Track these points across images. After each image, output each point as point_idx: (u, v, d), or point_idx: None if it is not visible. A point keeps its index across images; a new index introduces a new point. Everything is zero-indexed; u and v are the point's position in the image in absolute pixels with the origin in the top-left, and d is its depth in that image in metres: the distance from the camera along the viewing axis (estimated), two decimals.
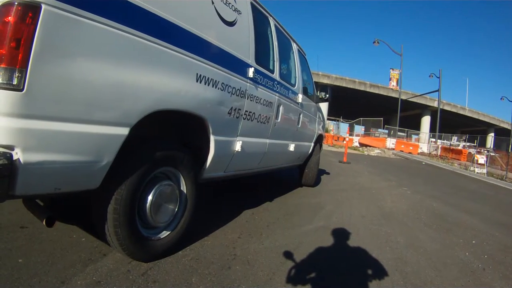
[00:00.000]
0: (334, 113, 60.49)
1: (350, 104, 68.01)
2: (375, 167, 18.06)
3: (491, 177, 21.39)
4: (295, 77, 7.10)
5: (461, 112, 68.81)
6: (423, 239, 5.67)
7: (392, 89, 58.91)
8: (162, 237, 3.72)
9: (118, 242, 3.18)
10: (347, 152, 18.42)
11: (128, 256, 3.37)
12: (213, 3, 4.05)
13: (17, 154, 2.21)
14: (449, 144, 46.37)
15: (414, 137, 56.33)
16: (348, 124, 56.06)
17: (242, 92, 4.62)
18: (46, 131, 2.36)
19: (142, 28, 2.95)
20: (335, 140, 35.31)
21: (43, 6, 2.20)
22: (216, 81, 4.01)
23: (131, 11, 2.86)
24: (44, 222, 2.81)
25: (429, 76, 46.21)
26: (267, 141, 5.81)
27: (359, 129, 57.05)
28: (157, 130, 3.71)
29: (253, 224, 5.17)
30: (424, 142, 51.25)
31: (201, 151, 4.20)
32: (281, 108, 5.98)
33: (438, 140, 49.04)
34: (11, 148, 2.19)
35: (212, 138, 4.11)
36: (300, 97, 7.03)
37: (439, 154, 38.93)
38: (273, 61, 5.87)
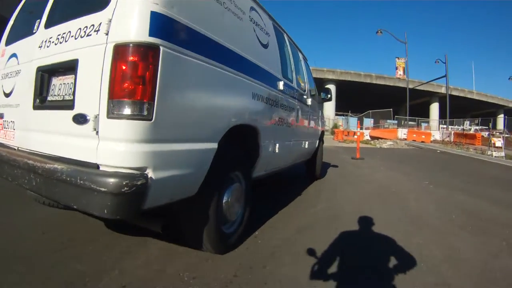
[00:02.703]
0: (342, 108, 60.87)
1: (357, 98, 67.87)
2: (390, 161, 17.09)
3: (509, 160, 20.32)
4: (304, 82, 8.00)
5: (469, 96, 68.58)
6: (462, 248, 4.71)
7: (398, 78, 58.28)
8: (233, 230, 4.33)
9: (209, 239, 3.74)
10: (359, 147, 17.51)
11: (212, 251, 3.91)
12: (254, 30, 4.82)
13: (150, 174, 2.69)
14: (461, 129, 45.54)
15: (423, 125, 55.41)
16: (357, 118, 55.27)
17: (276, 103, 5.45)
18: (168, 152, 2.89)
19: (222, 60, 3.64)
20: (345, 136, 34.25)
21: (161, 48, 2.74)
22: (263, 96, 4.84)
23: (213, 46, 3.52)
24: (160, 230, 3.53)
25: (435, 62, 45.45)
26: (292, 141, 6.61)
27: (368, 122, 56.01)
28: (229, 142, 3.92)
29: (255, 251, 4.28)
30: (435, 129, 50.33)
31: (252, 155, 4.85)
32: (299, 112, 6.95)
33: (450, 126, 48.26)
34: (145, 169, 2.67)
35: (260, 144, 4.83)
36: (309, 100, 8.02)
37: (452, 140, 37.85)
38: (291, 72, 6.69)
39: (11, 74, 4.07)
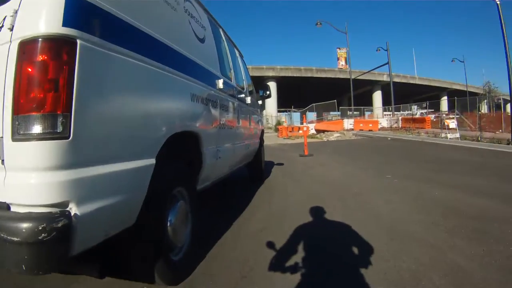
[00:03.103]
0: (284, 105, 59.95)
1: (300, 93, 68.02)
2: (342, 154, 16.01)
3: (465, 140, 20.02)
4: (243, 80, 7.55)
5: (412, 81, 70.38)
6: (466, 266, 3.45)
7: (339, 70, 58.78)
8: (182, 255, 3.60)
9: (157, 271, 3.08)
10: (307, 142, 16.40)
11: (163, 283, 3.23)
12: (190, 23, 4.26)
13: (73, 209, 2.04)
14: (410, 114, 45.50)
15: (367, 114, 55.54)
16: (300, 113, 54.99)
17: (216, 103, 4.88)
18: (94, 177, 2.22)
19: (156, 56, 3.05)
20: (290, 132, 32.62)
21: (79, 41, 2.08)
22: (202, 97, 4.25)
23: (145, 40, 2.93)
24: (98, 274, 2.92)
25: (376, 50, 44.82)
26: (235, 144, 6.16)
27: (311, 115, 55.45)
28: (168, 154, 3.28)
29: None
30: (379, 117, 50.48)
31: (194, 166, 4.25)
32: (240, 112, 6.50)
33: (397, 112, 48.52)
34: (66, 204, 2.02)
35: (203, 151, 4.26)
36: (249, 99, 7.46)
37: (400, 126, 37.65)
38: (229, 69, 6.23)
39: None
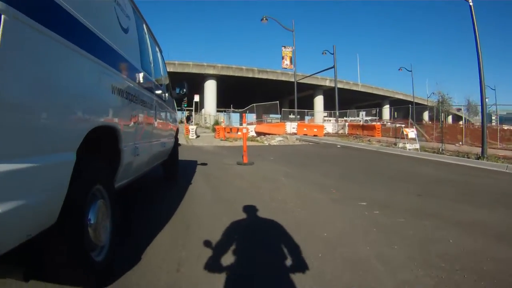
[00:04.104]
0: (224, 104, 58.49)
1: (240, 93, 66.40)
2: (288, 164, 13.13)
3: (425, 152, 17.81)
4: (161, 76, 7.38)
5: (354, 88, 70.52)
6: None
7: (281, 72, 58.66)
8: (104, 256, 3.38)
9: (80, 273, 2.95)
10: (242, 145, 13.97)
11: (87, 286, 3.09)
12: (115, 10, 4.08)
13: None
14: (364, 121, 44.06)
15: (307, 118, 53.80)
16: (240, 113, 53.17)
17: (136, 98, 4.62)
18: (13, 173, 1.96)
19: (79, 40, 2.82)
20: (228, 133, 30.11)
21: (3, 15, 1.82)
22: (122, 90, 4.01)
23: (68, 20, 2.68)
24: (23, 278, 2.74)
25: (322, 53, 42.97)
26: (152, 141, 5.92)
27: (251, 117, 53.21)
28: (87, 150, 3.02)
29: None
30: (319, 122, 48.05)
31: (112, 162, 4.00)
32: (157, 109, 6.23)
33: (342, 118, 47.11)
34: None
35: (121, 148, 4.01)
36: (166, 96, 7.19)
37: (347, 132, 35.32)
38: (149, 63, 6.00)
39: None
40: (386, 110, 66.81)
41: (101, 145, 3.72)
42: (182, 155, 16.49)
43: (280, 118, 44.42)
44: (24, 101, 2.08)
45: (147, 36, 6.24)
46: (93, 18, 3.15)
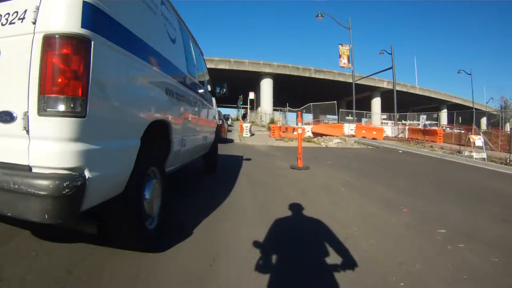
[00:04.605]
0: (279, 103, 57.50)
1: (296, 92, 66.05)
2: (348, 170, 11.54)
3: (492, 163, 16.03)
4: (204, 77, 8.10)
5: (412, 91, 68.54)
6: None
7: (338, 73, 58.21)
8: (155, 226, 4.22)
9: (136, 236, 3.74)
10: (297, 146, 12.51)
11: (139, 248, 3.92)
12: (165, 25, 4.89)
13: (87, 173, 2.68)
14: (425, 125, 42.02)
15: (363, 120, 51.84)
16: (296, 113, 51.67)
17: (183, 98, 5.50)
18: (101, 150, 2.89)
19: (143, 55, 3.76)
20: (283, 132, 28.74)
21: (93, 41, 2.71)
22: (173, 91, 4.85)
23: (136, 41, 3.61)
24: (96, 231, 3.49)
25: (380, 53, 42.02)
26: (195, 135, 6.72)
27: (307, 116, 51.71)
28: (147, 138, 3.85)
29: None
30: (378, 124, 46.77)
31: (164, 150, 4.88)
32: (200, 106, 7.09)
33: (401, 121, 45.34)
34: (82, 168, 2.65)
35: (172, 139, 4.89)
36: (208, 95, 8.27)
37: (407, 137, 33.15)
38: (193, 67, 6.71)
39: None
40: (443, 114, 64.28)
41: (156, 135, 4.42)
42: (232, 154, 15.36)
43: (338, 119, 42.81)
44: (111, 102, 3.06)
45: (190, 42, 6.93)
46: (150, 35, 4.01)
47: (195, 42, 7.83)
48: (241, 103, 66.80)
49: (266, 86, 59.51)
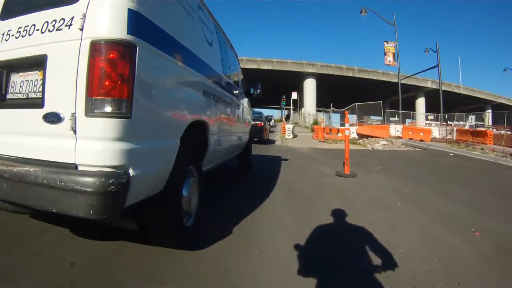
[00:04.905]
0: (321, 104, 56.26)
1: (339, 93, 64.25)
2: (399, 177, 10.35)
3: None
4: (238, 78, 8.29)
5: (456, 90, 66.59)
6: None
7: (382, 73, 57.79)
8: (192, 223, 4.35)
9: (174, 233, 3.87)
10: (343, 148, 11.94)
11: (177, 245, 4.04)
12: (203, 30, 5.08)
13: (130, 171, 2.82)
14: (471, 126, 41.00)
15: (407, 121, 50.15)
16: (341, 113, 50.87)
17: (219, 99, 5.65)
18: (144, 149, 3.03)
19: (183, 59, 3.92)
20: (327, 133, 27.61)
21: (138, 46, 2.88)
22: (210, 93, 5.03)
23: (177, 46, 3.81)
24: (137, 226, 3.66)
25: (425, 51, 40.43)
26: (230, 135, 6.88)
27: (352, 117, 50.67)
28: (186, 138, 3.99)
29: None
30: (422, 125, 46.04)
31: (201, 150, 5.01)
32: (235, 107, 7.25)
33: (452, 122, 44.27)
34: (126, 166, 2.78)
35: (209, 138, 5.03)
36: (242, 96, 8.43)
37: (455, 138, 31.36)
38: (229, 69, 6.91)
39: None
40: (488, 115, 62.24)
41: (195, 135, 4.44)
42: (272, 155, 14.52)
43: (383, 120, 41.40)
44: (154, 104, 3.26)
45: (225, 44, 7.06)
46: (189, 39, 4.23)
47: (230, 44, 8.01)
48: (284, 103, 66.26)
49: (309, 86, 58.69)
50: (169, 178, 3.55)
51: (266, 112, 54.65)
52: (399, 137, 30.37)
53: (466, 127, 39.44)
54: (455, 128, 34.65)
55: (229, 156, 7.55)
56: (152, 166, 3.20)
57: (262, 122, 22.61)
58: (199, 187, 4.60)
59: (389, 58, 43.76)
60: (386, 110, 42.02)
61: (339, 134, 26.40)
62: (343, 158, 10.84)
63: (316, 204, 6.72)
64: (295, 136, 29.69)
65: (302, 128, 45.90)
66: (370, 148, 22.39)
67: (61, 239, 4.16)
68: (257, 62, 56.50)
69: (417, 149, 22.86)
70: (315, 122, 42.34)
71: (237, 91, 7.62)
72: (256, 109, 55.42)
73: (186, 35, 4.11)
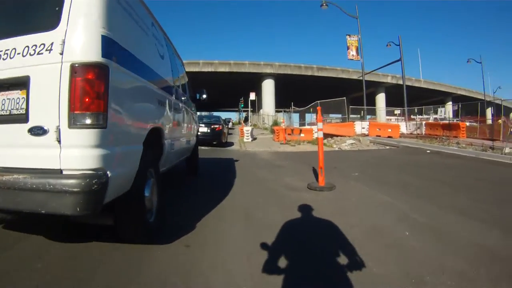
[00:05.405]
0: (280, 104, 54.30)
1: (298, 93, 62.99)
2: (388, 187, 8.15)
3: None
4: (185, 85, 8.50)
5: (417, 84, 66.46)
6: None
7: (341, 70, 57.32)
8: (153, 219, 4.67)
9: (139, 229, 4.20)
10: (308, 151, 11.29)
11: (141, 240, 4.37)
12: (156, 45, 5.51)
13: (108, 172, 3.20)
14: (436, 119, 40.05)
15: (367, 117, 48.90)
16: (299, 114, 49.22)
17: (171, 106, 6.02)
18: (117, 153, 3.46)
19: (142, 74, 4.37)
20: (289, 135, 24.95)
21: (110, 67, 3.30)
22: (163, 102, 5.46)
23: (137, 63, 4.21)
24: (113, 222, 4.02)
25: (387, 45, 38.98)
26: (181, 139, 7.32)
27: (310, 117, 51.41)
28: (146, 143, 4.36)
29: None
30: (383, 121, 45.96)
31: (157, 153, 5.36)
32: (184, 113, 7.64)
33: (419, 116, 43.02)
34: (104, 169, 3.18)
35: (164, 143, 5.45)
36: (189, 102, 8.83)
37: (424, 133, 29.96)
38: (178, 77, 7.35)
39: None
40: (449, 107, 61.64)
41: (152, 140, 4.72)
42: (226, 165, 12.08)
43: (347, 117, 39.72)
44: (123, 114, 3.65)
45: (174, 54, 7.44)
46: (147, 56, 4.67)
47: (177, 53, 8.26)
48: (242, 106, 65.10)
49: (268, 87, 57.68)
50: (135, 179, 3.90)
51: (224, 115, 53.48)
52: (365, 135, 28.50)
53: (431, 120, 38.32)
54: (423, 122, 33.20)
55: (179, 159, 7.80)
56: (123, 168, 3.61)
57: (221, 126, 22.77)
58: (158, 187, 4.94)
59: (352, 52, 42.01)
60: (350, 106, 40.25)
61: (302, 135, 24.48)
62: (310, 163, 9.40)
63: (285, 245, 4.48)
64: (254, 138, 27.48)
65: (262, 130, 44.02)
66: (337, 149, 20.21)
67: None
68: (214, 65, 55.12)
69: (388, 147, 21.05)
70: (275, 123, 40.09)
71: (185, 98, 8.01)
72: (215, 113, 54.01)
73: (143, 52, 4.52)
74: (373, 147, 21.05)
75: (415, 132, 31.35)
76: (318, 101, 36.39)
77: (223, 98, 74.08)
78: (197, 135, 10.42)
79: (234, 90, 64.00)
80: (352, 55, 41.98)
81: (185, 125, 7.88)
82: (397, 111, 50.56)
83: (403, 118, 40.19)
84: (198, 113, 15.62)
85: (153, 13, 5.60)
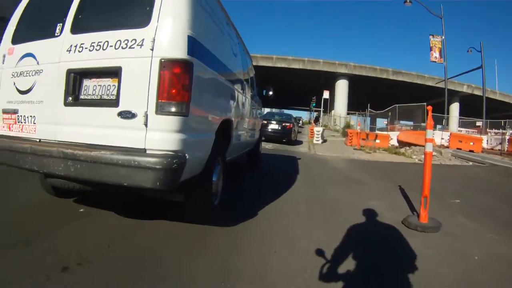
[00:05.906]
0: (352, 107, 54.31)
1: (371, 95, 58.69)
2: (509, 229, 5.96)
3: None
4: (253, 83, 9.16)
5: (492, 96, 60.38)
6: None
7: (417, 75, 55.14)
8: (217, 202, 5.17)
9: (206, 210, 4.69)
10: (387, 161, 9.53)
11: (206, 221, 4.86)
12: (230, 43, 6.02)
13: (186, 154, 3.62)
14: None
15: (438, 127, 45.44)
16: (371, 117, 46.90)
17: (240, 101, 6.62)
18: (195, 139, 3.91)
19: (220, 70, 4.92)
20: (363, 140, 22.39)
21: (194, 63, 3.75)
22: (234, 96, 6.02)
23: (215, 60, 4.74)
24: (183, 199, 4.45)
25: (467, 51, 38.47)
26: (246, 131, 7.76)
27: (381, 122, 49.43)
28: (217, 133, 4.85)
29: None
30: (454, 131, 40.32)
31: (225, 143, 5.76)
32: (251, 108, 8.25)
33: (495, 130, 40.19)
34: (183, 151, 3.60)
35: (232, 133, 5.93)
36: (257, 98, 9.52)
37: (506, 149, 26.60)
38: (248, 74, 8.05)
39: (28, 73, 4.37)
40: None
41: (222, 130, 5.12)
42: (292, 176, 9.70)
43: (413, 126, 37.17)
44: (202, 105, 4.17)
45: (244, 52, 7.97)
46: (222, 54, 5.15)
47: (246, 50, 8.62)
48: (313, 105, 63.16)
49: (341, 88, 55.67)
50: (206, 163, 4.32)
51: (295, 113, 52.15)
52: (444, 146, 25.92)
53: (508, 136, 33.62)
54: (507, 138, 29.28)
55: (243, 150, 8.23)
56: (198, 152, 4.06)
57: (291, 124, 22.54)
58: (223, 173, 5.43)
59: (435, 54, 38.68)
60: (433, 114, 37.37)
61: (377, 141, 22.30)
62: (394, 179, 8.11)
63: None
64: (324, 141, 25.49)
65: (332, 131, 42.12)
66: (417, 161, 17.06)
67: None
68: (288, 61, 53.93)
69: (471, 163, 18.22)
70: (347, 125, 37.70)
71: (252, 93, 8.51)
72: (286, 111, 52.19)
73: (220, 50, 4.99)
74: (456, 162, 18.11)
75: (496, 148, 28.48)
76: (396, 105, 33.92)
77: (293, 96, 72.49)
78: (260, 130, 11.03)
79: (305, 88, 62.42)
80: (435, 57, 38.75)
81: (251, 119, 8.41)
82: (479, 123, 47.02)
83: (474, 131, 38.93)
84: (269, 109, 13.40)
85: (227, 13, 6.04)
